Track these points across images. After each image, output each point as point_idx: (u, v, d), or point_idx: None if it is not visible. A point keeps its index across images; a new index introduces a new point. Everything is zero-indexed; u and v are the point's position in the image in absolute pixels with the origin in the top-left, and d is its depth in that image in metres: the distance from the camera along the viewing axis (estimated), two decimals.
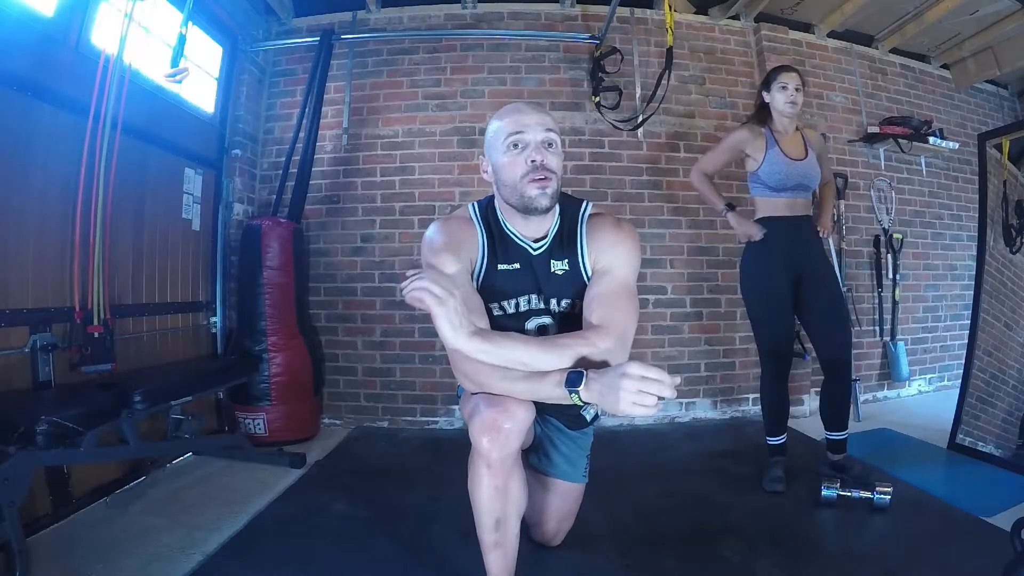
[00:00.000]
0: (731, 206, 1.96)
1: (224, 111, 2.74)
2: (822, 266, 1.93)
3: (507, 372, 1.01)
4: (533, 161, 1.09)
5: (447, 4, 2.92)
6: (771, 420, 1.93)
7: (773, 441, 1.94)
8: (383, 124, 2.86)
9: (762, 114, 1.95)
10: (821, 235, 1.98)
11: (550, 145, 1.11)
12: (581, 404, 0.97)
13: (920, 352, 3.22)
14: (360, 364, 2.79)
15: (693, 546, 1.47)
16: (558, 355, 0.99)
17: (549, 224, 1.19)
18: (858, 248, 3.07)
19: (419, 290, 0.90)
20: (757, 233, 1.88)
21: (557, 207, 1.18)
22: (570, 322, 1.19)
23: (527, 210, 1.12)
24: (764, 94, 1.94)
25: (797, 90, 1.87)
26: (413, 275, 0.91)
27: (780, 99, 1.88)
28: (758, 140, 1.90)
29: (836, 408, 1.89)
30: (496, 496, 1.06)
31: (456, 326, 0.93)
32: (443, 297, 0.91)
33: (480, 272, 1.19)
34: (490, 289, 1.19)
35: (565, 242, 1.19)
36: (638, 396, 0.86)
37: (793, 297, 1.89)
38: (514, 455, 1.06)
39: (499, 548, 1.10)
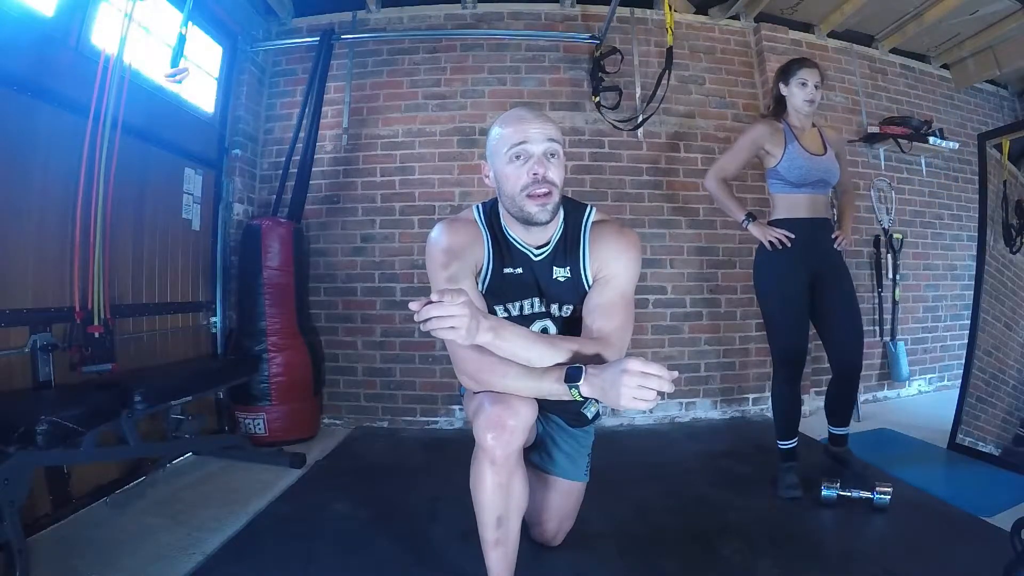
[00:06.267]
0: (752, 216, 1.88)
1: (224, 111, 2.74)
2: (839, 269, 1.88)
3: (508, 369, 1.03)
4: (535, 174, 1.08)
5: (447, 4, 2.92)
6: (783, 424, 1.86)
7: (784, 446, 1.86)
8: (383, 124, 2.86)
9: (778, 108, 1.90)
10: (838, 246, 1.87)
11: (553, 155, 1.11)
12: (581, 399, 0.99)
13: (920, 352, 3.22)
14: (360, 364, 2.79)
15: (693, 546, 1.47)
16: (560, 352, 1.03)
17: (551, 231, 1.19)
18: (858, 248, 3.07)
19: (440, 327, 0.88)
20: (785, 239, 1.79)
21: (561, 213, 1.19)
22: (571, 326, 1.22)
23: (526, 222, 1.13)
24: (781, 86, 1.87)
25: (816, 87, 1.81)
26: (425, 303, 0.88)
27: (799, 96, 1.81)
28: (776, 135, 1.83)
29: (843, 407, 1.94)
30: (499, 493, 1.07)
31: (474, 330, 0.93)
32: (459, 324, 0.89)
33: (487, 275, 1.19)
34: (496, 291, 1.20)
35: (568, 250, 1.20)
36: (638, 391, 0.88)
37: (809, 299, 1.85)
38: (517, 453, 1.07)
39: (500, 546, 1.10)
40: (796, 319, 1.83)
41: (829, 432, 1.99)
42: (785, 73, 1.86)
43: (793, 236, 1.79)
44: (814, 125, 1.90)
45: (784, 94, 1.86)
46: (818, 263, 1.83)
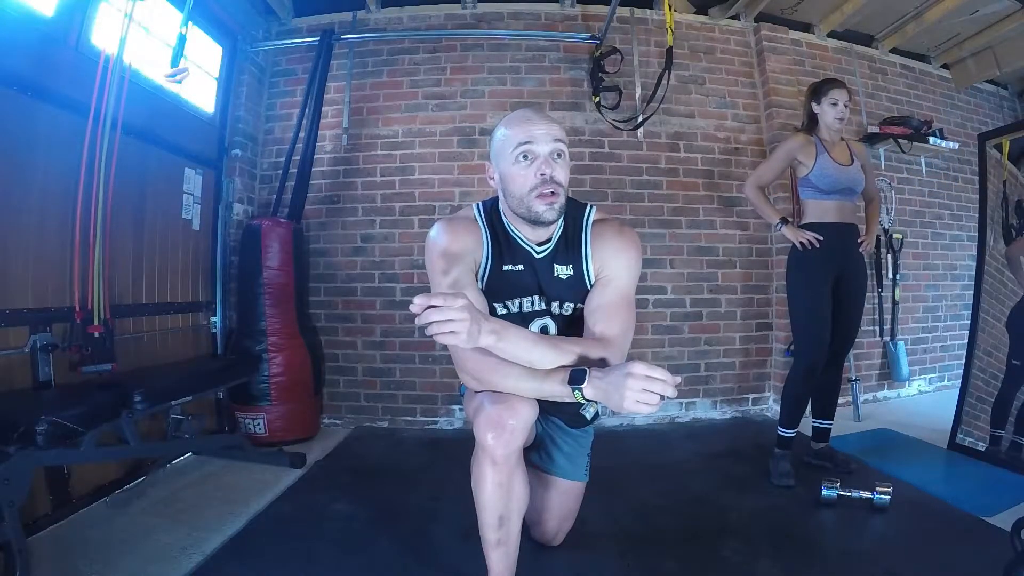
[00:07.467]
0: (785, 220, 2.03)
1: (224, 111, 2.74)
2: (861, 272, 2.02)
3: (510, 370, 1.03)
4: (543, 174, 1.08)
5: (447, 4, 2.92)
6: (790, 413, 1.97)
7: (785, 433, 1.97)
8: (383, 124, 2.86)
9: (811, 124, 2.04)
10: (862, 250, 2.02)
11: (559, 156, 1.11)
12: (584, 401, 0.99)
13: (920, 352, 3.22)
14: (360, 364, 2.79)
15: (693, 546, 1.47)
16: (562, 354, 1.03)
17: (553, 229, 1.19)
18: None
19: (441, 332, 0.88)
20: (815, 240, 1.93)
21: None
22: (571, 325, 1.21)
23: (534, 222, 1.13)
24: (813, 105, 2.01)
25: (846, 106, 1.96)
26: (424, 304, 0.88)
27: (830, 114, 1.96)
28: (809, 147, 1.98)
29: (830, 397, 2.04)
30: (500, 493, 1.07)
31: (475, 334, 0.92)
32: (459, 329, 0.89)
33: (485, 273, 1.19)
34: (495, 289, 1.20)
35: (569, 248, 1.19)
36: (642, 395, 0.89)
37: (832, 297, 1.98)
38: (518, 452, 1.07)
39: (501, 546, 1.10)
40: (823, 315, 1.94)
41: (813, 427, 2.07)
42: (817, 93, 2.01)
43: (822, 239, 1.93)
44: (843, 139, 2.05)
45: (816, 111, 2.01)
46: (844, 264, 1.97)
